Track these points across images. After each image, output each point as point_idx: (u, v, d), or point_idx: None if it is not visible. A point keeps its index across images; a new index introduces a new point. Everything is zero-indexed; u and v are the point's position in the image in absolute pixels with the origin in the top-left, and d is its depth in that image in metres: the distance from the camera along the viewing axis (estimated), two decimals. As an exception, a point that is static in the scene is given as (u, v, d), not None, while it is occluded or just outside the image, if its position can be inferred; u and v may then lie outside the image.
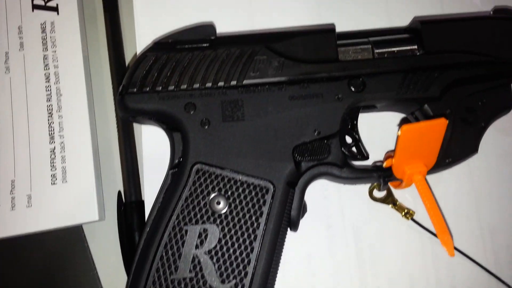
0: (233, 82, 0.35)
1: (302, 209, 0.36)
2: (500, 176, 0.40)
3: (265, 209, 0.33)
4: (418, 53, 0.36)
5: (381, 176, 0.35)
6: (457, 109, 0.36)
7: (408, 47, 0.36)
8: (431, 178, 0.38)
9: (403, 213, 0.38)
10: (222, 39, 0.36)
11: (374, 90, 0.35)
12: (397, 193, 0.39)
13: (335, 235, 0.39)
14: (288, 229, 0.35)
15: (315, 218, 0.39)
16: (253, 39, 0.36)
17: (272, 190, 0.33)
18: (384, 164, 0.34)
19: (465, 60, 0.35)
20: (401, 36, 0.37)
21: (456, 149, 0.35)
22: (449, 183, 0.40)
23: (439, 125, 0.32)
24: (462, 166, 0.37)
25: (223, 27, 0.39)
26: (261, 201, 0.33)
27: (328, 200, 0.39)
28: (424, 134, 0.32)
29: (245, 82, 0.35)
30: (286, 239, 0.35)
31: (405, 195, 0.39)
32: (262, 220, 0.33)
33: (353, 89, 0.35)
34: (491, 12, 0.40)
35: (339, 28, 0.37)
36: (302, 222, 0.36)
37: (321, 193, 0.39)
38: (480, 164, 0.40)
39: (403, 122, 0.40)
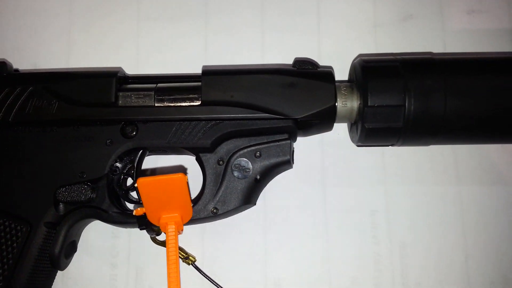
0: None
1: (71, 249, 0.36)
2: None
3: (19, 247, 0.33)
4: (195, 103, 0.36)
5: (138, 223, 0.35)
6: (230, 161, 0.35)
7: (189, 96, 0.36)
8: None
9: (183, 258, 0.38)
10: (13, 76, 0.37)
11: (145, 137, 0.35)
12: (186, 238, 0.38)
13: (119, 274, 0.39)
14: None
15: (100, 257, 0.39)
16: (34, 79, 0.37)
17: (28, 230, 0.34)
18: (134, 212, 0.34)
19: (241, 114, 0.35)
20: (188, 84, 0.37)
21: (228, 201, 0.35)
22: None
23: (178, 180, 0.32)
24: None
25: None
26: (15, 239, 0.34)
27: (118, 239, 0.40)
28: (164, 187, 0.32)
29: (17, 120, 0.35)
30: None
31: (193, 240, 0.39)
32: (14, 257, 0.33)
33: (124, 134, 0.35)
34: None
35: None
36: (84, 259, 0.37)
37: (111, 231, 0.40)
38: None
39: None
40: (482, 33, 0.42)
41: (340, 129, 0.40)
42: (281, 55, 0.42)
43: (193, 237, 0.39)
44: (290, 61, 0.38)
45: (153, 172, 0.41)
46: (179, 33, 0.43)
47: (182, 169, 0.41)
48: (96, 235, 0.39)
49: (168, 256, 0.32)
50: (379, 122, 0.34)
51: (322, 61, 0.42)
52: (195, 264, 0.38)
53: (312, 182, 0.40)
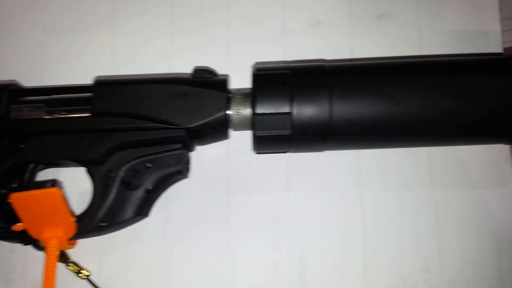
0: None
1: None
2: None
3: None
4: (85, 115, 0.35)
5: (20, 239, 0.33)
6: (120, 172, 0.34)
7: (80, 108, 0.35)
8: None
9: (76, 272, 0.36)
10: None
11: (34, 150, 0.34)
12: (82, 251, 0.37)
13: (14, 291, 0.39)
14: None
15: (-5, 272, 0.39)
16: None
17: None
18: (12, 228, 0.33)
19: (133, 125, 0.34)
20: (80, 95, 0.36)
21: (117, 213, 0.34)
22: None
23: (52, 194, 0.31)
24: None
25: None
26: None
27: (14, 254, 0.38)
28: (39, 202, 0.31)
29: None
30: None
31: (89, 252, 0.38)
32: None
33: (13, 148, 0.34)
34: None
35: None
36: None
37: (8, 247, 0.38)
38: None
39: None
40: (391, 38, 0.42)
41: (246, 136, 0.39)
42: (189, 62, 0.40)
43: (90, 250, 0.37)
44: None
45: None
46: (86, 43, 0.42)
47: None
48: None
49: (45, 274, 0.31)
50: (267, 129, 0.33)
51: (230, 69, 0.41)
52: (89, 279, 0.37)
53: (216, 190, 0.39)
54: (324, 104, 0.33)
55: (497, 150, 0.40)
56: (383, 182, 0.39)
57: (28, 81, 0.41)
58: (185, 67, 0.40)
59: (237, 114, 0.35)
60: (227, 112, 0.35)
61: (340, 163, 0.40)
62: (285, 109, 0.33)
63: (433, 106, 0.32)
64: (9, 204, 0.35)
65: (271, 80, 0.34)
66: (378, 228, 0.39)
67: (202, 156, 0.40)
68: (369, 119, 0.33)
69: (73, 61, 0.42)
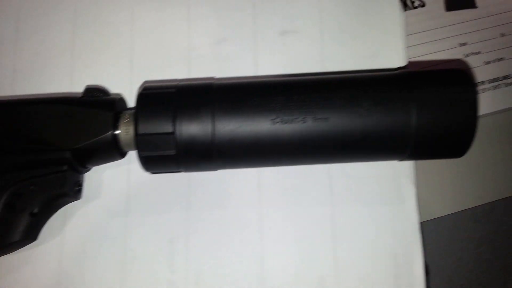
0: None
1: None
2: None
3: None
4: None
5: None
6: (4, 194, 0.33)
7: None
8: None
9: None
10: None
11: None
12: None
13: None
14: None
15: None
16: None
17: None
18: None
19: (15, 146, 0.34)
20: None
21: (4, 236, 0.33)
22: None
23: None
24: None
25: None
26: None
27: None
28: None
29: None
30: None
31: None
32: None
33: None
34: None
35: None
36: None
37: None
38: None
39: None
40: (295, 54, 0.42)
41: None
42: (92, 80, 0.41)
43: None
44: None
45: None
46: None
47: None
48: None
49: None
50: (151, 150, 0.33)
51: (134, 86, 0.40)
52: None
53: (115, 210, 0.39)
54: (207, 123, 0.33)
55: (398, 166, 0.40)
56: (282, 199, 0.39)
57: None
58: (87, 83, 0.40)
59: (126, 134, 0.35)
60: (115, 132, 0.35)
61: (240, 180, 0.39)
62: (168, 129, 0.33)
63: (314, 125, 0.32)
64: None
65: (155, 99, 0.33)
66: (275, 245, 0.38)
67: (101, 175, 0.39)
68: (251, 139, 0.33)
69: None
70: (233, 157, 0.34)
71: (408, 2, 0.50)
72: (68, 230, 0.38)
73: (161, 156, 0.33)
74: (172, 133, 0.32)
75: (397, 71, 0.36)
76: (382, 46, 0.42)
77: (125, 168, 0.39)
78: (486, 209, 0.47)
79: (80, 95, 0.36)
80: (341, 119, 0.33)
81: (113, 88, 0.41)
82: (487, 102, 0.48)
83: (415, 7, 0.50)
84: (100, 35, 0.42)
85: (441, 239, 0.46)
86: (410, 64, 0.46)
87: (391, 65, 0.42)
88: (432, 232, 0.45)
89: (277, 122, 0.32)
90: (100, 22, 0.43)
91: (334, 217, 0.39)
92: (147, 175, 0.39)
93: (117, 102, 0.36)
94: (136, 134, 0.33)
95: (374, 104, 0.33)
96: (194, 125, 0.33)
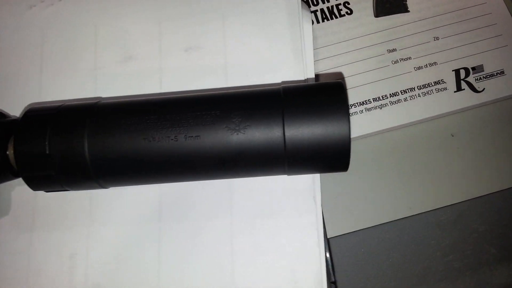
0: None
1: None
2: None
3: None
4: None
5: None
6: None
7: None
8: None
9: None
10: None
11: None
12: None
13: None
14: None
15: None
16: None
17: None
18: None
19: None
20: None
21: None
22: None
23: None
24: None
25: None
26: None
27: None
28: None
29: None
30: None
31: None
32: None
33: None
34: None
35: None
36: None
37: None
38: None
39: None
40: (199, 69, 0.42)
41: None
42: None
43: None
44: None
45: None
46: None
47: None
48: None
49: None
50: (32, 170, 0.34)
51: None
52: None
53: (21, 227, 0.40)
54: (78, 143, 0.33)
55: (301, 180, 0.39)
56: (182, 214, 0.39)
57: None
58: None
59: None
60: (5, 152, 0.36)
61: (142, 196, 0.40)
62: (43, 150, 0.34)
63: (184, 143, 0.32)
64: None
65: (34, 121, 0.34)
66: (174, 260, 0.38)
67: (10, 192, 0.41)
68: (125, 158, 0.33)
69: None
70: (111, 175, 0.34)
71: (335, 10, 0.49)
72: None
73: (42, 176, 0.34)
74: (49, 154, 0.34)
75: (276, 87, 0.35)
76: (283, 59, 0.41)
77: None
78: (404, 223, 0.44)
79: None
80: (212, 136, 0.32)
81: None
82: (417, 109, 0.45)
83: (342, 15, 0.49)
84: (11, 56, 0.44)
85: (352, 254, 0.44)
86: (321, 76, 0.45)
87: (293, 77, 0.41)
88: (346, 247, 0.43)
89: (150, 141, 0.33)
90: (12, 42, 0.45)
91: (233, 231, 0.39)
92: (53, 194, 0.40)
93: (9, 124, 0.37)
94: (15, 155, 0.34)
95: (245, 120, 0.32)
96: (67, 145, 0.33)
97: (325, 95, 0.32)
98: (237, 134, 0.32)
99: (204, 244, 0.39)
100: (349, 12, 0.49)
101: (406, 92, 0.45)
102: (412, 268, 0.43)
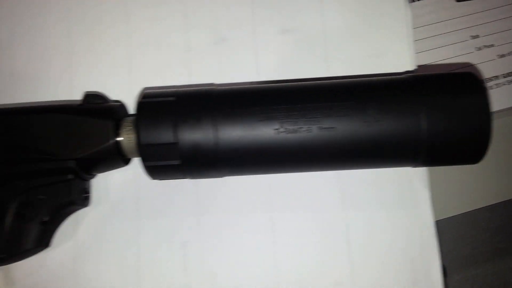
0: None
1: None
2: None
3: None
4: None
5: None
6: (13, 204, 0.34)
7: None
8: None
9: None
10: None
11: None
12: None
13: None
14: None
15: None
16: None
17: None
18: None
19: (20, 157, 0.34)
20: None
21: (14, 246, 0.34)
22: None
23: None
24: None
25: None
26: None
27: None
28: None
29: None
30: None
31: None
32: None
33: None
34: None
35: None
36: None
37: None
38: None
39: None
40: (296, 53, 0.41)
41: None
42: (90, 83, 0.40)
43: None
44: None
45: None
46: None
47: None
48: None
49: None
50: (156, 160, 0.33)
51: (133, 89, 0.40)
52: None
53: (126, 215, 0.39)
54: (209, 132, 0.32)
55: (411, 171, 0.39)
56: (293, 204, 0.39)
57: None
58: (85, 88, 0.40)
59: (129, 142, 0.35)
60: (117, 140, 0.35)
61: (251, 185, 0.39)
62: (170, 139, 0.32)
63: (320, 133, 0.32)
64: None
65: (155, 108, 0.33)
66: (288, 251, 0.38)
67: (110, 181, 0.39)
68: (255, 146, 0.33)
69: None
70: (237, 165, 0.34)
71: (417, -7, 0.49)
72: (80, 234, 0.39)
73: (166, 166, 0.33)
74: (175, 143, 0.32)
75: (404, 76, 0.35)
76: (389, 46, 0.41)
77: (132, 172, 0.39)
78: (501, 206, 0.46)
79: (79, 102, 0.37)
80: (348, 128, 0.32)
81: (112, 93, 0.41)
82: (501, 98, 0.46)
83: (423, -1, 0.49)
84: (97, 37, 0.42)
85: (453, 237, 0.45)
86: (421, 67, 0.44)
87: (399, 65, 0.40)
88: (446, 231, 0.45)
89: (281, 132, 0.32)
90: (96, 23, 0.42)
91: (348, 222, 0.39)
92: (156, 182, 0.39)
93: (117, 109, 0.36)
94: (139, 145, 0.33)
95: (382, 111, 0.32)
96: (197, 134, 0.32)
97: (462, 86, 0.32)
98: (374, 125, 0.32)
99: (318, 235, 0.38)
100: (413, -1, 0.49)
101: (491, 80, 0.47)
102: None
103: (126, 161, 0.37)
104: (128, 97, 0.40)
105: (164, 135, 0.32)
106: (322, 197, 0.39)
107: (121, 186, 0.40)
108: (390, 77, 0.35)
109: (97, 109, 0.35)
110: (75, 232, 0.39)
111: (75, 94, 0.41)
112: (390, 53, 0.41)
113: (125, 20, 0.42)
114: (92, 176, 0.38)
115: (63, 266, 0.39)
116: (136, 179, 0.40)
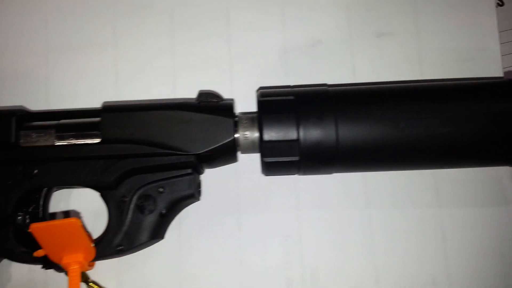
0: None
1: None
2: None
3: None
4: (95, 141, 0.36)
5: (42, 264, 0.35)
6: (134, 197, 0.36)
7: (89, 133, 0.36)
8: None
9: (96, 290, 0.39)
10: None
11: (46, 176, 0.36)
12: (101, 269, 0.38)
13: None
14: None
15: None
16: None
17: None
18: (34, 254, 0.34)
19: (143, 151, 0.35)
20: (89, 120, 0.37)
21: (134, 237, 0.36)
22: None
23: (71, 225, 0.32)
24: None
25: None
26: None
27: (34, 273, 0.39)
28: (59, 231, 0.32)
29: None
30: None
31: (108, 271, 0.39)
32: None
33: (25, 175, 0.35)
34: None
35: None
36: None
37: (27, 266, 0.39)
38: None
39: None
40: (391, 57, 0.43)
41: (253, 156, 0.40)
42: (192, 82, 0.42)
43: (108, 268, 0.39)
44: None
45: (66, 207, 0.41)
46: (89, 63, 0.43)
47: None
48: (13, 269, 0.39)
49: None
50: (275, 156, 0.35)
51: (233, 86, 0.42)
52: (109, 297, 0.39)
53: (226, 210, 0.41)
54: (330, 130, 0.34)
55: (501, 169, 0.41)
56: (391, 201, 0.41)
57: (31, 103, 0.42)
58: (188, 87, 0.42)
59: (245, 139, 0.36)
60: (235, 136, 0.36)
61: (348, 182, 0.41)
62: (293, 136, 0.34)
63: (435, 133, 0.34)
64: (27, 229, 0.36)
65: (276, 106, 0.35)
66: (387, 246, 0.40)
67: (211, 176, 0.41)
68: (374, 144, 0.34)
69: (76, 82, 0.43)
70: (355, 162, 0.36)
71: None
72: (184, 227, 0.40)
73: (285, 162, 0.35)
74: (297, 140, 0.34)
75: (502, 79, 0.37)
76: (477, 49, 0.43)
77: (232, 168, 0.40)
78: None
79: (195, 100, 0.38)
80: (467, 128, 0.34)
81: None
82: None
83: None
84: (197, 38, 0.43)
85: None
86: (506, 73, 0.45)
87: (487, 69, 0.42)
88: None
89: (401, 129, 0.34)
90: (197, 24, 0.43)
91: (443, 219, 0.40)
92: (254, 175, 0.40)
93: (233, 107, 0.38)
94: (261, 141, 0.35)
95: (492, 114, 0.34)
96: (318, 131, 0.34)
97: None
98: (486, 126, 0.33)
99: (413, 232, 0.40)
100: (500, 4, 0.51)
101: None
102: None
103: (237, 157, 0.38)
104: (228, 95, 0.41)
105: (287, 133, 0.34)
106: (417, 194, 0.41)
107: (221, 182, 0.41)
108: (493, 80, 0.37)
109: (216, 106, 0.37)
110: (180, 225, 0.40)
111: (178, 95, 0.43)
112: (480, 57, 0.43)
113: (225, 22, 0.43)
114: (204, 171, 0.40)
115: (167, 256, 0.40)
116: (236, 174, 0.41)
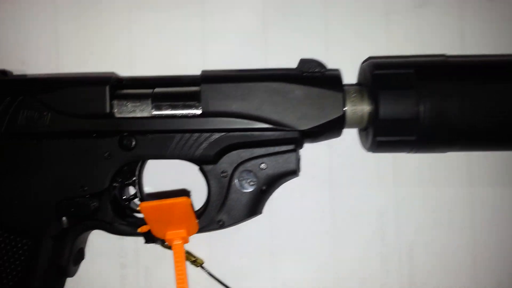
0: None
1: (79, 256, 0.37)
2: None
3: (25, 262, 0.33)
4: (195, 113, 0.34)
5: (144, 238, 0.35)
6: (234, 172, 0.34)
7: (188, 103, 0.34)
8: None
9: (191, 260, 0.38)
10: (2, 83, 0.34)
11: (144, 149, 0.34)
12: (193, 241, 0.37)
13: (128, 274, 0.40)
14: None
15: (108, 258, 0.40)
16: (23, 87, 0.34)
17: (32, 244, 0.33)
18: (139, 230, 0.33)
19: (244, 126, 0.33)
20: (187, 89, 0.35)
21: (234, 212, 0.35)
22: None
23: (181, 204, 0.31)
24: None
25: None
26: (21, 253, 0.33)
27: (125, 240, 0.40)
28: (168, 210, 0.31)
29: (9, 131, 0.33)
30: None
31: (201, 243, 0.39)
32: (22, 272, 0.33)
33: (122, 146, 0.34)
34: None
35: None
36: (93, 261, 0.38)
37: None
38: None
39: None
40: (502, 21, 0.39)
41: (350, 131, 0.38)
42: (285, 55, 0.39)
43: (200, 241, 0.38)
44: (294, 61, 0.35)
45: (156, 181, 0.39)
46: (173, 33, 0.40)
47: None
48: (104, 237, 0.38)
49: (176, 271, 0.33)
50: (390, 135, 0.33)
51: (329, 51, 0.39)
52: (203, 267, 0.39)
53: (319, 184, 0.40)
54: (457, 107, 0.31)
55: None
56: (493, 180, 0.39)
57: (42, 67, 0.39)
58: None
59: (353, 113, 0.34)
60: (344, 112, 0.34)
61: (448, 159, 0.39)
62: (412, 114, 0.32)
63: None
64: (125, 201, 0.36)
65: (395, 81, 0.32)
66: (486, 224, 0.39)
67: (303, 151, 0.38)
68: (497, 123, 0.32)
69: (161, 49, 0.40)
70: (477, 142, 0.33)
71: None
72: (275, 201, 0.38)
73: (399, 141, 0.33)
74: (417, 119, 0.32)
75: None
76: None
77: (325, 142, 0.38)
78: None
79: (296, 69, 0.35)
80: None
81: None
82: None
83: None
84: (291, 9, 0.39)
85: None
86: None
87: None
88: None
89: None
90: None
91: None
92: (349, 148, 0.39)
93: (341, 79, 0.35)
94: (376, 118, 0.32)
95: None
96: (439, 109, 0.31)
97: None
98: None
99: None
100: None
101: None
102: None
103: (341, 132, 0.36)
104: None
105: (406, 110, 0.32)
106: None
107: (314, 157, 0.39)
108: None
109: (322, 79, 0.34)
110: (271, 198, 0.37)
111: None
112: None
113: None
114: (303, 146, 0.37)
115: (258, 229, 0.39)
116: (328, 148, 0.39)
